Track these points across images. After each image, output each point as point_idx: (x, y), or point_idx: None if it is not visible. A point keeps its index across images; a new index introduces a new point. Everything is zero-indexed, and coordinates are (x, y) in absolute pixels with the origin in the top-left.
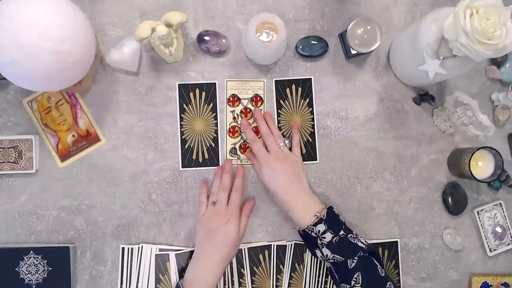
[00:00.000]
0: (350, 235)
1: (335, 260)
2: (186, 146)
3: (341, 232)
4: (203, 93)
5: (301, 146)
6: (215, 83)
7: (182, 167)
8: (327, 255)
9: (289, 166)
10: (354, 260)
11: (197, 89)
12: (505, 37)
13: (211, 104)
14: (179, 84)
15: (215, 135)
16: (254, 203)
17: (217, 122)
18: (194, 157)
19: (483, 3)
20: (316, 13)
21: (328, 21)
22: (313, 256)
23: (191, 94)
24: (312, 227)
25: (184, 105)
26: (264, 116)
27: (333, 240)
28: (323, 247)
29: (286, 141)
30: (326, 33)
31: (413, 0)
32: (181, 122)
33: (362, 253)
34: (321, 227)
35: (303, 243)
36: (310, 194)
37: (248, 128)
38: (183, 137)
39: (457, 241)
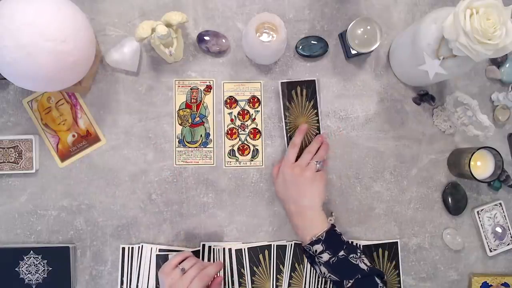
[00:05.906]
0: (352, 255)
1: (331, 280)
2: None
3: (341, 253)
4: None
5: (303, 146)
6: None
7: None
8: (324, 273)
9: (301, 180)
10: (350, 281)
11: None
12: (505, 37)
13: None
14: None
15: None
16: (221, 279)
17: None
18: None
19: (483, 3)
20: (316, 13)
21: (328, 21)
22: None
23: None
24: (309, 246)
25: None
26: (320, 139)
27: (330, 261)
28: (321, 265)
29: (322, 163)
30: (326, 33)
31: (413, 0)
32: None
33: (360, 276)
34: (318, 248)
35: None
36: (316, 215)
37: (301, 134)
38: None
39: (457, 241)
